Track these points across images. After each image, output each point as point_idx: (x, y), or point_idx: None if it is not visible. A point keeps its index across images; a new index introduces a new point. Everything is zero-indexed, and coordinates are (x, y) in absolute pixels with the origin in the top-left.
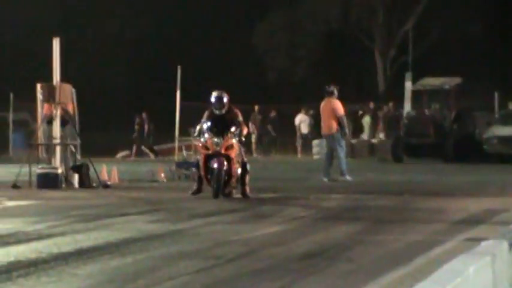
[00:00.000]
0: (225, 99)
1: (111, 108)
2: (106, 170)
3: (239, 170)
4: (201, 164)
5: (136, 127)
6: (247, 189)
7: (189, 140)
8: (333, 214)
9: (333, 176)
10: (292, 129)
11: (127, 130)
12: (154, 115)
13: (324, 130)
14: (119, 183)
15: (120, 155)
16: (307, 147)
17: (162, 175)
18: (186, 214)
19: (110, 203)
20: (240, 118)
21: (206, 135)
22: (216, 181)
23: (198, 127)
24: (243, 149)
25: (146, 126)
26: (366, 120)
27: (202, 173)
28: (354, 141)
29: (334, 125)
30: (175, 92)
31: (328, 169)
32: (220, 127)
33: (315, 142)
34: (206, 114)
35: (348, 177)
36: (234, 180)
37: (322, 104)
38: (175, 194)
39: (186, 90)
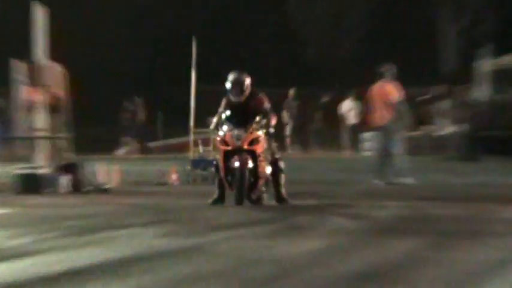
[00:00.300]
0: (246, 83)
1: (112, 96)
2: (104, 170)
3: (269, 169)
4: (220, 163)
5: (126, 115)
6: (284, 192)
7: (207, 133)
8: (387, 226)
9: (388, 178)
10: (335, 119)
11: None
12: (165, 103)
13: (376, 121)
14: (120, 187)
15: (120, 151)
16: (355, 141)
17: (174, 176)
18: (203, 226)
19: (109, 212)
20: (267, 105)
21: (225, 127)
22: (238, 184)
23: (214, 119)
24: (274, 143)
25: (141, 114)
26: (429, 108)
27: (221, 174)
28: (414, 134)
29: (388, 114)
30: (190, 72)
31: (382, 169)
32: (242, 117)
33: (366, 135)
34: (223, 102)
35: (407, 180)
36: (262, 181)
37: (373, 89)
38: (190, 201)
39: (204, 71)
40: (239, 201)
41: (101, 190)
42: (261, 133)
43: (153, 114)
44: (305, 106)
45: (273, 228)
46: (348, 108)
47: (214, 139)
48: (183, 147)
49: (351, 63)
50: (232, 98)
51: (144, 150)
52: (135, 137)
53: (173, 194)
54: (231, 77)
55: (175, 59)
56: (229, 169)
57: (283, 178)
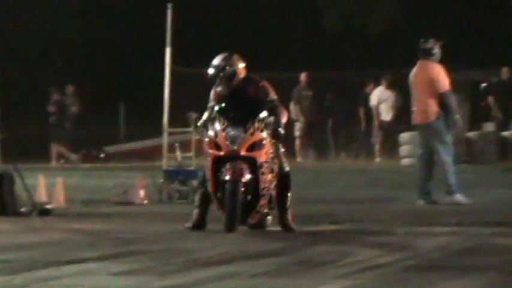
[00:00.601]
0: (237, 68)
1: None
2: (45, 185)
3: (273, 184)
4: (208, 174)
5: (52, 108)
6: (290, 217)
7: (187, 133)
8: (436, 261)
9: (435, 195)
10: (362, 114)
11: (82, 120)
12: (128, 92)
13: (418, 116)
14: (67, 207)
15: (69, 158)
16: (390, 144)
17: (141, 193)
18: (182, 261)
19: (53, 242)
20: (273, 95)
21: (217, 125)
22: (228, 203)
23: (205, 114)
24: (282, 149)
25: (74, 108)
26: (491, 101)
27: (210, 189)
28: (471, 134)
29: (434, 107)
30: (163, 51)
31: (426, 184)
32: (240, 111)
33: (404, 137)
34: (212, 94)
35: (461, 198)
36: (264, 201)
37: (414, 72)
38: (164, 226)
39: (184, 49)
40: (230, 227)
41: (41, 212)
42: (265, 135)
43: (113, 108)
44: (321, 97)
45: (277, 264)
46: (380, 99)
47: (203, 141)
48: (154, 153)
49: (383, 40)
50: (218, 90)
51: (97, 158)
52: (64, 139)
53: (140, 217)
54: (214, 61)
55: (141, 32)
56: (220, 182)
57: (289, 199)
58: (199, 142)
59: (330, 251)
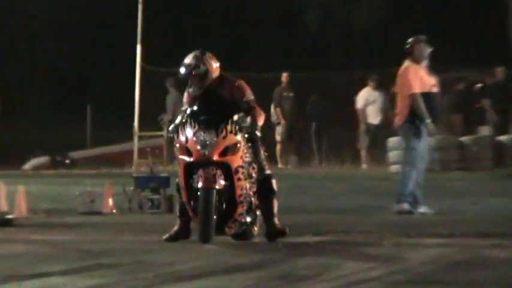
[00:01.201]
0: (209, 67)
1: (21, 87)
2: (5, 193)
3: (251, 190)
4: (181, 180)
5: None
6: (277, 222)
7: (159, 137)
8: (427, 274)
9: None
10: (349, 117)
11: (51, 121)
12: (96, 94)
13: (396, 118)
14: (28, 217)
15: (31, 164)
16: (378, 150)
17: (110, 202)
18: (153, 275)
19: (14, 254)
20: (249, 95)
21: (188, 130)
22: (203, 213)
23: (178, 118)
24: (262, 153)
25: None
26: (486, 103)
27: (184, 198)
28: (465, 138)
29: (404, 111)
30: (134, 49)
31: (416, 190)
32: (212, 114)
33: (393, 142)
34: (185, 96)
35: (423, 209)
36: (242, 209)
37: (399, 72)
38: (134, 238)
39: (156, 47)
40: (204, 238)
41: (1, 222)
42: (239, 138)
43: (79, 110)
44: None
45: (256, 278)
46: (367, 101)
47: (174, 146)
48: (123, 159)
49: (372, 36)
50: (190, 91)
51: (62, 164)
52: None
53: (108, 228)
54: (185, 59)
55: (110, 29)
56: (193, 190)
57: (275, 204)
58: (172, 147)
59: (313, 264)
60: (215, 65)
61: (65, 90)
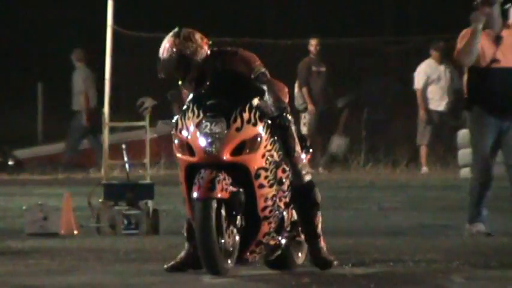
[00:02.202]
0: (195, 42)
1: None
2: None
3: (281, 201)
4: (183, 189)
5: None
6: (324, 246)
7: (137, 131)
8: None
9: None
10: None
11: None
12: (48, 71)
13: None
14: None
15: None
16: (444, 147)
17: (70, 219)
18: None
19: None
20: (259, 66)
21: (190, 120)
22: (200, 233)
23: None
24: (297, 150)
25: None
26: None
27: (187, 212)
28: None
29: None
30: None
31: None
32: (224, 97)
33: (465, 136)
34: (184, 94)
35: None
36: (268, 227)
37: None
38: (104, 271)
39: (130, 12)
40: (210, 268)
41: None
42: (261, 129)
43: (27, 94)
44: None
45: None
46: (429, 78)
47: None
48: (87, 160)
49: None
50: (185, 87)
51: (5, 166)
52: None
53: (67, 256)
54: (160, 51)
55: None
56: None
57: (319, 221)
58: (157, 142)
59: None
60: (199, 40)
61: (7, 64)
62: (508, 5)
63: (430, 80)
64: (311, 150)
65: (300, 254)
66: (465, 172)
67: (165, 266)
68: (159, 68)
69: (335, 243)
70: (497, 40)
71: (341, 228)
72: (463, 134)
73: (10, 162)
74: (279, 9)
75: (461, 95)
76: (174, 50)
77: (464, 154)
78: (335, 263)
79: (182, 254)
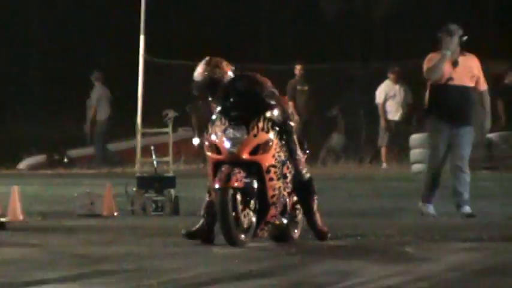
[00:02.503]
0: (223, 69)
1: (16, 80)
2: None
3: (285, 190)
4: (210, 180)
5: None
6: (319, 221)
7: (163, 134)
8: (453, 282)
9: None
10: (367, 113)
11: (46, 116)
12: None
13: None
14: (23, 220)
15: (26, 163)
16: (399, 148)
17: (111, 204)
18: (157, 282)
19: (6, 260)
20: (270, 88)
21: (218, 126)
22: (219, 215)
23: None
24: (299, 153)
25: None
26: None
27: (213, 196)
28: (493, 135)
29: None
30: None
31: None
32: (245, 110)
33: (415, 139)
34: (212, 107)
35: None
36: (275, 210)
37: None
38: (137, 243)
39: (160, 37)
40: (228, 240)
41: None
42: (272, 136)
43: (77, 106)
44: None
45: (266, 286)
46: (387, 95)
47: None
48: (125, 158)
49: (392, 25)
50: (213, 102)
51: (59, 163)
52: None
53: (109, 232)
54: (195, 75)
55: (111, 19)
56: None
57: (315, 203)
58: (178, 145)
59: (330, 270)
60: (226, 68)
61: (63, 83)
62: (465, 37)
63: (388, 96)
64: (308, 151)
65: (296, 231)
66: (416, 167)
67: (183, 231)
68: (193, 87)
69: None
70: (454, 63)
71: (320, 210)
72: (414, 138)
73: (65, 160)
74: (271, 41)
75: (412, 108)
76: (206, 74)
77: (415, 153)
78: (328, 233)
79: (197, 226)
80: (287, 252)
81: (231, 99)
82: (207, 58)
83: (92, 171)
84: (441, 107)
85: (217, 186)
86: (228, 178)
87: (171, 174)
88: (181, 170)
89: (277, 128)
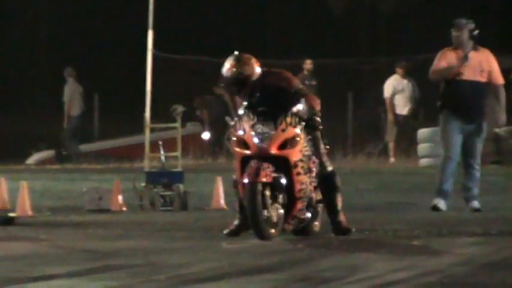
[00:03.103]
0: (254, 67)
1: (24, 76)
2: (7, 190)
3: (311, 184)
4: (237, 175)
5: None
6: (343, 218)
7: (171, 129)
8: (460, 276)
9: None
10: (375, 108)
11: (52, 111)
12: (103, 83)
13: None
14: (32, 216)
15: (35, 158)
16: (407, 142)
17: (119, 199)
18: (166, 277)
19: (17, 255)
20: (297, 84)
21: (245, 122)
22: (248, 209)
23: (233, 120)
24: (323, 145)
25: None
26: None
27: (241, 193)
28: (501, 130)
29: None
30: (145, 34)
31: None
32: (271, 105)
33: (423, 133)
34: (238, 102)
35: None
36: (301, 204)
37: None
38: (145, 237)
39: (168, 36)
40: (257, 234)
41: (3, 221)
42: (299, 131)
43: (86, 101)
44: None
45: (274, 281)
46: (395, 89)
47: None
48: (133, 153)
49: (399, 20)
50: (239, 97)
51: (70, 158)
52: None
53: (117, 227)
54: (224, 70)
55: (119, 14)
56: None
57: (339, 200)
58: (186, 140)
59: (337, 265)
60: (254, 64)
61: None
62: (476, 31)
63: (396, 91)
64: (328, 146)
65: (316, 223)
66: (423, 162)
67: (224, 231)
68: (220, 80)
69: (323, 216)
70: (465, 58)
71: None
72: (422, 132)
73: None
74: (278, 35)
75: (420, 102)
76: (234, 70)
77: (423, 148)
78: (353, 229)
79: (236, 222)
80: (295, 246)
81: (258, 95)
82: (236, 54)
83: (100, 166)
84: (454, 102)
85: (246, 180)
86: (257, 173)
87: (179, 169)
88: (189, 165)
89: (303, 123)
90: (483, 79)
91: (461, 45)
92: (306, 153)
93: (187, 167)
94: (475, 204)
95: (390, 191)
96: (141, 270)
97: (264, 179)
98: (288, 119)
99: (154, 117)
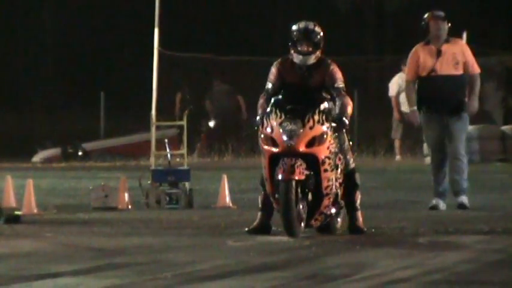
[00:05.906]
0: (319, 36)
1: (30, 74)
2: (13, 188)
3: (337, 181)
4: (266, 172)
5: None
6: (360, 218)
7: (177, 127)
8: (466, 274)
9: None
10: (381, 105)
11: (61, 110)
12: (109, 81)
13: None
14: (38, 213)
15: (41, 156)
16: (413, 140)
17: (125, 197)
18: (172, 275)
19: (23, 252)
20: (340, 82)
21: (273, 120)
22: (283, 206)
23: (260, 100)
24: (347, 143)
25: None
26: None
27: (268, 190)
28: (507, 128)
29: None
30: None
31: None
32: (300, 101)
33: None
34: (273, 72)
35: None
36: (328, 201)
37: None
38: (151, 235)
39: (173, 31)
40: (288, 231)
41: (9, 219)
42: (326, 128)
43: (91, 99)
44: None
45: (281, 279)
46: (400, 87)
47: (259, 138)
48: (139, 151)
49: (405, 18)
50: (296, 59)
51: (76, 156)
52: None
53: (124, 225)
54: (298, 25)
55: (124, 12)
56: (276, 182)
57: (358, 197)
58: (192, 137)
59: (344, 263)
60: (321, 36)
61: (77, 77)
62: (448, 24)
63: (401, 89)
64: (351, 142)
65: (339, 219)
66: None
67: (246, 229)
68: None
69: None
70: (438, 53)
71: None
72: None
73: (79, 153)
74: (285, 33)
75: None
76: (311, 25)
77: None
78: (365, 229)
79: (257, 221)
80: (301, 244)
81: (286, 92)
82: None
83: (107, 164)
84: (429, 99)
85: (280, 177)
86: (292, 170)
87: (185, 167)
88: (195, 163)
89: (331, 120)
90: (458, 72)
91: (440, 38)
92: (333, 150)
93: (193, 164)
94: (463, 199)
95: (396, 189)
96: (147, 268)
97: (298, 177)
98: (316, 117)
99: (161, 114)
